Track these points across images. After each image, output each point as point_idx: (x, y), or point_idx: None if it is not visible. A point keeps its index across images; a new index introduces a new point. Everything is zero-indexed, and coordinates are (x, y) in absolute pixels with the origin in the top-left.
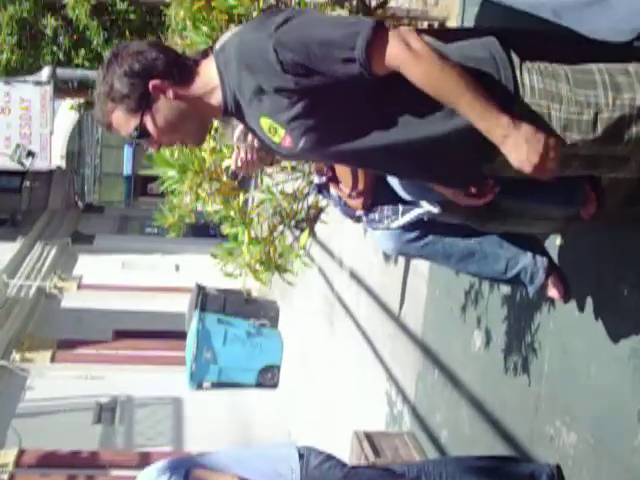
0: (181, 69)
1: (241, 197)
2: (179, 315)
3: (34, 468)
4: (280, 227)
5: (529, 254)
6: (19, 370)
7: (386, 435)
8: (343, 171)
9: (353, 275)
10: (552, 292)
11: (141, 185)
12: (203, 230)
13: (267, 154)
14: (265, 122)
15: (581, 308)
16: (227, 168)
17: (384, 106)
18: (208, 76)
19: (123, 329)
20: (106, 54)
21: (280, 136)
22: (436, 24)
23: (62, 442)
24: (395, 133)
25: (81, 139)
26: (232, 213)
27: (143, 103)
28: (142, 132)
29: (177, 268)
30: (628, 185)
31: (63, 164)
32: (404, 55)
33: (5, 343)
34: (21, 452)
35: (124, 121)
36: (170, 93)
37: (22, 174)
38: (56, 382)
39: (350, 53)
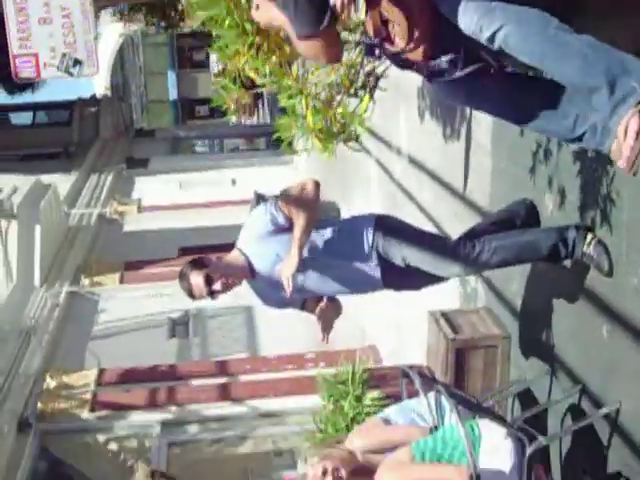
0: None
1: (294, 67)
2: (239, 227)
3: (115, 385)
4: (338, 97)
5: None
6: (90, 294)
7: (462, 312)
8: (399, 21)
9: (413, 161)
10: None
11: (188, 108)
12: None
13: None
14: None
15: None
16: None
17: None
18: None
19: (188, 245)
20: None
21: None
22: None
23: (140, 359)
24: None
25: (123, 69)
26: (289, 82)
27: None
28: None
29: (233, 182)
30: None
31: (109, 94)
32: None
33: (73, 270)
34: (101, 372)
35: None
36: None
37: (70, 106)
38: (127, 303)
39: None
